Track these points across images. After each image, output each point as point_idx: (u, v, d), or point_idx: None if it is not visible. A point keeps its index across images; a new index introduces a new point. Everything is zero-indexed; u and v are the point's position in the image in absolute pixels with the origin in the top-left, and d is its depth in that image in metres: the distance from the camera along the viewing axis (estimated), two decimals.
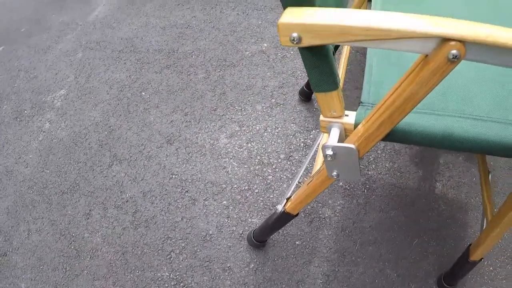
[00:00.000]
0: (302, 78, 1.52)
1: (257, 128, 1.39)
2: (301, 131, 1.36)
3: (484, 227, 0.82)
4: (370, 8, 1.01)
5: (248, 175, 1.27)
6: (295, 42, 0.46)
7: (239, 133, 1.38)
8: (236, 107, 1.47)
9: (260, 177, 1.26)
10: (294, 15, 0.46)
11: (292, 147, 1.32)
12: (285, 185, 1.23)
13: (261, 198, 1.21)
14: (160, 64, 1.69)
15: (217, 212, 1.20)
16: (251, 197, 1.22)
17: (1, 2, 2.53)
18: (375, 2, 0.95)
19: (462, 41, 0.41)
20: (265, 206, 1.20)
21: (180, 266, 1.12)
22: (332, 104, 0.59)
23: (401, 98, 0.49)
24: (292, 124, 1.38)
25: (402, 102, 0.50)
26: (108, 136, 1.46)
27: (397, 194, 1.19)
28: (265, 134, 1.37)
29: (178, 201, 1.24)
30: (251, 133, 1.38)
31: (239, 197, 1.23)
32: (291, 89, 1.49)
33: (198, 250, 1.14)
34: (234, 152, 1.33)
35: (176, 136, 1.40)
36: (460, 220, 1.11)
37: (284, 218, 0.86)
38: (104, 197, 1.29)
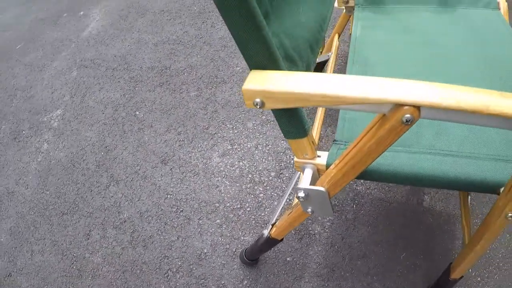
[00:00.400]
0: None
1: (248, 146, 1.47)
2: (291, 148, 1.44)
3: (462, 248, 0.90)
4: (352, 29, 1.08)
5: (240, 194, 1.35)
6: (258, 107, 0.54)
7: (231, 152, 1.47)
8: (228, 125, 1.55)
9: (252, 195, 1.34)
10: (256, 81, 0.53)
11: (282, 164, 1.41)
12: (275, 203, 1.32)
13: (253, 216, 1.30)
14: (153, 82, 1.77)
15: (211, 230, 1.29)
16: (243, 215, 1.31)
17: None
18: (355, 26, 1.04)
19: (415, 106, 0.45)
20: (257, 224, 1.28)
21: (177, 284, 1.21)
22: (303, 148, 0.67)
23: (362, 152, 0.57)
24: (282, 141, 1.47)
25: (362, 156, 0.58)
26: (104, 157, 1.55)
27: (385, 208, 1.27)
28: (256, 152, 1.45)
29: (173, 220, 1.33)
30: (242, 151, 1.46)
31: (232, 215, 1.31)
32: None
33: (194, 268, 1.23)
34: (226, 171, 1.42)
35: (170, 156, 1.49)
36: (448, 232, 1.19)
37: (270, 242, 0.95)
38: (103, 217, 1.38)
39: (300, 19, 0.67)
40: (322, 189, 0.64)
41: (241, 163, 1.43)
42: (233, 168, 1.42)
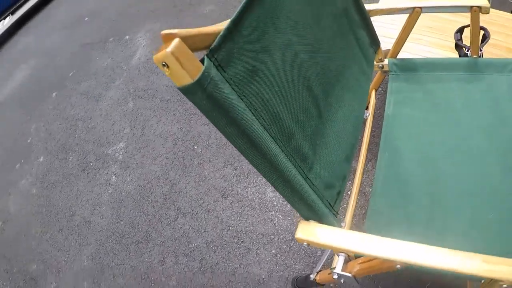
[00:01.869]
0: None
1: None
2: None
3: None
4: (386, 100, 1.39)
5: (292, 226, 1.74)
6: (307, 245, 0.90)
7: None
8: None
9: None
10: (304, 232, 0.80)
11: None
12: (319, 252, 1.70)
13: (303, 247, 1.69)
14: None
15: (267, 259, 1.68)
16: (294, 246, 1.69)
17: (44, 50, 3.02)
18: (388, 101, 1.35)
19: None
20: (306, 254, 1.67)
21: None
22: None
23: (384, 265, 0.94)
24: None
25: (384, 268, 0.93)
26: (170, 190, 1.96)
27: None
28: None
29: (235, 250, 1.73)
30: None
31: (285, 246, 1.70)
32: None
33: None
34: (279, 205, 1.81)
35: (229, 191, 1.89)
36: None
37: (315, 284, 1.33)
38: (174, 246, 1.79)
39: (337, 150, 0.99)
40: (349, 275, 0.90)
41: None
42: (285, 202, 1.80)
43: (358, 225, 1.58)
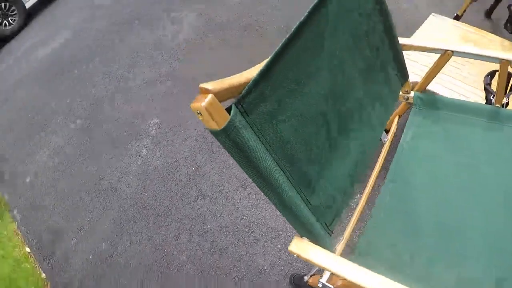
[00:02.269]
0: None
1: None
2: None
3: None
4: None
5: None
6: None
7: None
8: None
9: None
10: (298, 247, 0.93)
11: None
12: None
13: None
14: None
15: (272, 252, 1.83)
16: None
17: (79, 22, 3.18)
18: (406, 132, 1.38)
19: None
20: None
21: None
22: None
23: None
24: None
25: None
26: (195, 172, 2.12)
27: None
28: None
29: (245, 238, 1.89)
30: None
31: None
32: None
33: (255, 279, 1.78)
34: None
35: (249, 182, 2.03)
36: None
37: (307, 286, 1.47)
38: (190, 225, 1.97)
39: (342, 176, 1.08)
40: (332, 287, 1.05)
41: None
42: None
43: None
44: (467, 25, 1.94)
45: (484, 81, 1.45)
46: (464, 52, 1.27)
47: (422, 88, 1.41)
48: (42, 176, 2.48)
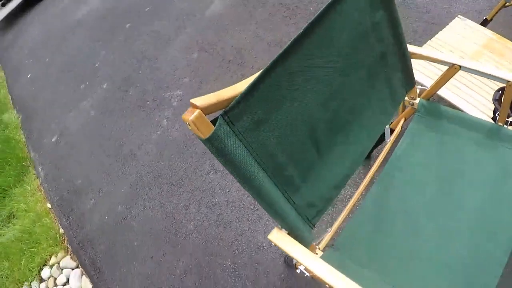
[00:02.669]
0: None
1: None
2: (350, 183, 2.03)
3: None
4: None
5: None
6: None
7: None
8: None
9: None
10: (277, 238, 1.06)
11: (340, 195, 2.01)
12: (323, 226, 1.95)
13: None
14: None
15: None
16: None
17: None
18: (403, 140, 1.43)
19: None
20: None
21: (239, 261, 1.91)
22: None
23: None
24: None
25: None
26: None
27: None
28: None
29: (249, 215, 2.02)
30: None
31: None
32: None
33: (253, 254, 1.92)
34: None
35: None
36: None
37: (295, 267, 1.60)
38: (200, 197, 2.12)
39: (328, 180, 1.17)
40: (308, 275, 1.14)
41: None
42: None
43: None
44: (492, 32, 1.91)
45: (493, 96, 1.47)
46: (471, 69, 1.26)
47: (428, 96, 1.45)
48: (68, 136, 2.67)
